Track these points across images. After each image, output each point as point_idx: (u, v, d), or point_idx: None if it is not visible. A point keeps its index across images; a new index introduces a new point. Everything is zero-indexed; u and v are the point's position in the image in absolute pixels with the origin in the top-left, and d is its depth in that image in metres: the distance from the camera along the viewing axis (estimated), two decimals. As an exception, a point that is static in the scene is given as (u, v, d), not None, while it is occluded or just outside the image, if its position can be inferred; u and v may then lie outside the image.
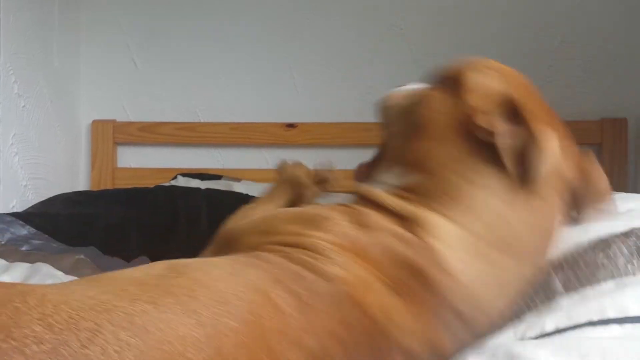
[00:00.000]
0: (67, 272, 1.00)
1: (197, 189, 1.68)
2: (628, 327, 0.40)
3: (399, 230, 0.52)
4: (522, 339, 0.51)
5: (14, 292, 0.40)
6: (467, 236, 0.51)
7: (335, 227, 0.52)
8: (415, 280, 0.49)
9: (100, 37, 2.08)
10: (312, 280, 0.46)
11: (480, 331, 0.51)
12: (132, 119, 2.06)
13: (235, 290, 0.44)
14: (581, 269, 0.52)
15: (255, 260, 0.50)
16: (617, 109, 1.84)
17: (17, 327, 0.36)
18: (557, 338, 0.42)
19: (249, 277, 0.46)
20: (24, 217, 1.31)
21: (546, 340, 0.44)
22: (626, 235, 0.52)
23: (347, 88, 1.98)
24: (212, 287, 0.44)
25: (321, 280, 0.46)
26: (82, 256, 1.10)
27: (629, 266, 0.48)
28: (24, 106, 1.74)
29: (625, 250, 0.49)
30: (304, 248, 0.50)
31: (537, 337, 0.49)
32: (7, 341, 0.35)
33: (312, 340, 0.42)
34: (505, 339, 0.51)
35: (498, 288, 0.53)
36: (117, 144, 2.05)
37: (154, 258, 1.11)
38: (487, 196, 0.53)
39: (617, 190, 1.89)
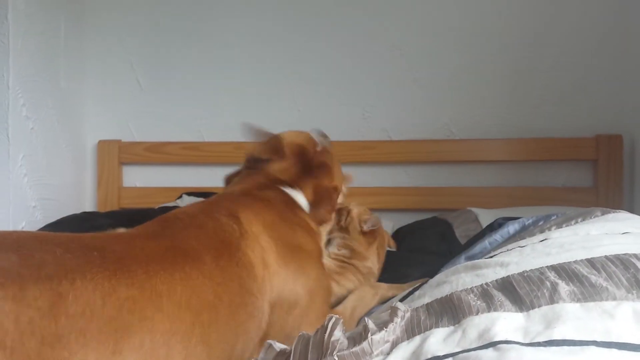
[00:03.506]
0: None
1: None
2: (626, 354, 0.44)
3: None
4: (531, 342, 0.54)
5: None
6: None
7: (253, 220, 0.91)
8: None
9: (104, 58, 2.12)
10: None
11: None
12: (138, 139, 2.09)
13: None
14: (585, 287, 0.56)
15: None
16: (611, 125, 1.89)
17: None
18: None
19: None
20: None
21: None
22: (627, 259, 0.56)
23: (348, 107, 2.02)
24: None
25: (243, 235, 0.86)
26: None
27: (629, 294, 0.52)
28: (32, 128, 1.76)
29: (625, 282, 0.53)
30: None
31: (546, 344, 0.52)
32: None
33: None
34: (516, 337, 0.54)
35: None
36: (122, 163, 2.08)
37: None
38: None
39: (612, 206, 1.91)
